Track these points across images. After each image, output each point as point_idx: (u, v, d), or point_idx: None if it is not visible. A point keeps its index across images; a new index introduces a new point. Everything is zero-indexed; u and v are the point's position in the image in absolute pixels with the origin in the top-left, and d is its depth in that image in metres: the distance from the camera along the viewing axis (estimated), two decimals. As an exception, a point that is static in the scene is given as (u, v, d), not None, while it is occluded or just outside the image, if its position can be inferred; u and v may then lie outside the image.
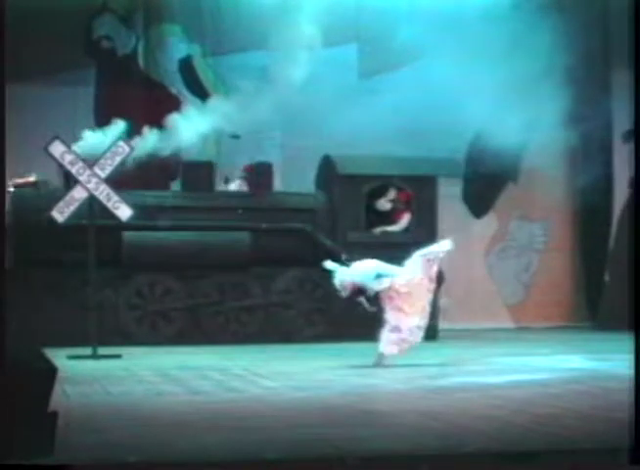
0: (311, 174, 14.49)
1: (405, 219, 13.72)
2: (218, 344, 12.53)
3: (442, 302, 13.09)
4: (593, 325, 15.10)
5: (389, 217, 13.74)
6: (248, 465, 5.04)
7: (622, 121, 15.08)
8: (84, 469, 4.93)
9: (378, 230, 13.63)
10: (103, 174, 11.42)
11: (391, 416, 6.60)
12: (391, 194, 13.73)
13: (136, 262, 12.85)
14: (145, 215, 12.46)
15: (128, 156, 11.66)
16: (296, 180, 14.74)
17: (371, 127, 13.96)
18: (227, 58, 15.46)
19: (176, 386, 8.42)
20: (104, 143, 12.06)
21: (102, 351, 11.04)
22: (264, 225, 13.35)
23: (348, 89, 14.56)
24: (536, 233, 16.05)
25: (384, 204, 13.72)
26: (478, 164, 14.98)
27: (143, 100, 15.06)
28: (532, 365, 9.92)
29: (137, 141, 12.54)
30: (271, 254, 13.23)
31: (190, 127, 13.07)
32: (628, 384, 7.77)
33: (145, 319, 13.01)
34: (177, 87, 15.52)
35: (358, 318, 13.00)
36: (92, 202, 11.41)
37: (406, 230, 13.67)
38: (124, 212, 11.55)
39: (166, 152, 13.11)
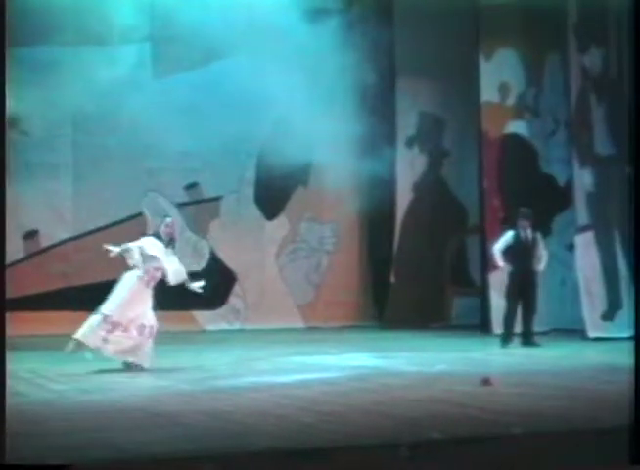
0: (106, 172, 14.29)
1: None
2: None
3: None
4: (379, 325, 15.55)
5: None
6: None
7: (405, 128, 15.64)
8: (84, 469, 4.85)
9: None
10: None
11: (179, 417, 6.61)
12: None
13: None
14: None
15: None
16: (89, 179, 14.58)
17: (165, 126, 13.90)
18: (14, 51, 14.94)
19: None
20: None
21: None
22: None
23: (141, 88, 14.40)
24: (326, 235, 16.35)
25: None
26: (269, 168, 15.13)
27: None
28: (320, 364, 10.10)
29: None
30: None
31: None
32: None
33: None
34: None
35: None
36: None
37: None
38: None
39: None
